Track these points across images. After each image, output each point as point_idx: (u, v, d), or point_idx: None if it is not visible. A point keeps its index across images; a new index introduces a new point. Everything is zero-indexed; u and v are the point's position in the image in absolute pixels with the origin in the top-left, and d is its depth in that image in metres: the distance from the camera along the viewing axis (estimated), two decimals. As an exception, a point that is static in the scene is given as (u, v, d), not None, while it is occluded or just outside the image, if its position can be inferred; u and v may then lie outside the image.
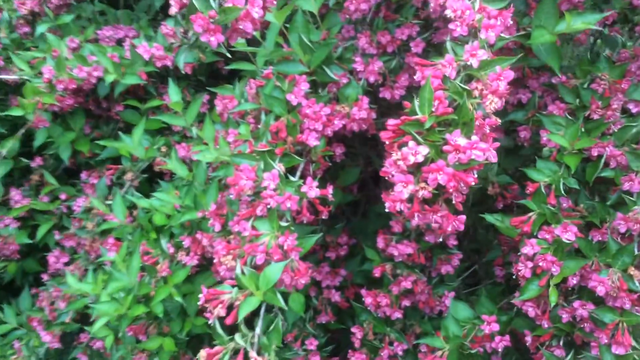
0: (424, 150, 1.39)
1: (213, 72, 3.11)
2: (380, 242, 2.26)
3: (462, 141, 1.38)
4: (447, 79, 1.54)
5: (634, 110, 2.05)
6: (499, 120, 1.52)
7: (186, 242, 2.17)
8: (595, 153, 1.96)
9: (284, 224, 1.70)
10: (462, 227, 1.43)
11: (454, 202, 1.41)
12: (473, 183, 1.37)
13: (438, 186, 1.39)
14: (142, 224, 2.41)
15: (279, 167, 1.79)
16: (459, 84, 1.51)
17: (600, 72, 2.11)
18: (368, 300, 2.23)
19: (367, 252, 2.50)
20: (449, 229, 1.43)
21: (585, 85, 2.12)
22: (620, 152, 1.93)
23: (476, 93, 1.51)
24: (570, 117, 2.07)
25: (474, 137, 1.38)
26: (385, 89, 2.24)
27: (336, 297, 2.45)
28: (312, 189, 1.77)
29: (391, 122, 1.47)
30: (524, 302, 1.88)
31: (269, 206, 1.70)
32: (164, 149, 2.75)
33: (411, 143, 1.40)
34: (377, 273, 2.24)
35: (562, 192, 1.94)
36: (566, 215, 1.96)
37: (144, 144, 2.75)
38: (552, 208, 1.91)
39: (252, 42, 2.25)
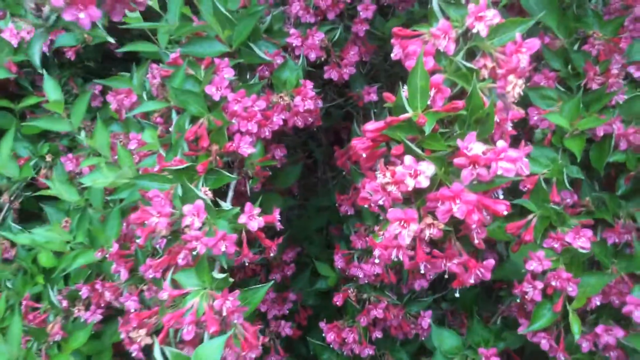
0: (428, 169, 0.91)
1: (107, 55, 2.49)
2: (339, 261, 1.80)
3: (479, 149, 0.92)
4: (443, 55, 1.06)
5: (637, 75, 1.66)
6: (522, 112, 1.07)
7: (84, 292, 1.60)
8: (601, 133, 1.56)
9: (218, 275, 1.19)
10: (488, 276, 0.98)
11: (475, 241, 0.95)
12: (505, 212, 0.92)
13: (451, 221, 0.93)
14: (25, 266, 1.82)
15: (203, 192, 1.26)
16: (462, 61, 1.04)
17: (589, 29, 1.71)
18: (330, 336, 1.77)
19: (319, 267, 2.04)
20: (471, 280, 0.97)
21: (576, 48, 1.71)
22: (634, 130, 1.54)
23: (484, 73, 1.05)
24: (561, 89, 1.67)
25: (500, 143, 0.92)
26: (331, 67, 1.75)
27: (287, 329, 1.97)
28: (253, 219, 1.27)
29: (370, 126, 0.99)
30: (535, 333, 1.48)
31: (195, 252, 1.19)
32: (49, 158, 2.14)
33: (408, 158, 0.92)
34: (338, 301, 1.78)
35: (567, 185, 1.54)
36: (572, 213, 1.56)
37: (22, 153, 2.13)
38: (557, 207, 1.51)
39: (150, 15, 1.70)
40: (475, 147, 0.93)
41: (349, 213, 1.81)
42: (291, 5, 1.74)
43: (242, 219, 1.26)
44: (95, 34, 2.20)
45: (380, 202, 0.97)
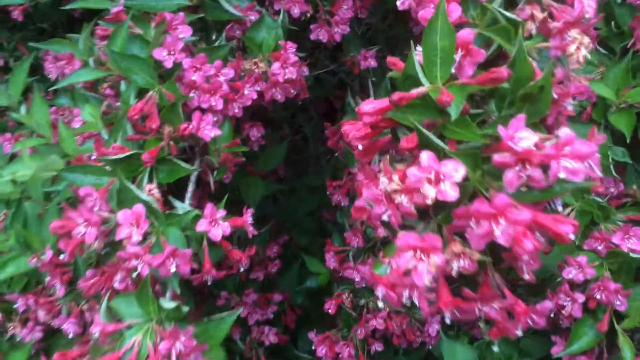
0: (456, 171, 0.61)
1: (70, 17, 2.15)
2: (331, 260, 1.51)
3: (531, 139, 0.61)
4: (471, 2, 0.75)
5: (697, 33, 1.35)
6: (587, 84, 0.75)
7: (20, 305, 1.30)
8: (654, 106, 1.25)
9: (168, 303, 0.89)
10: (543, 323, 0.68)
11: (524, 275, 0.65)
12: (572, 236, 0.61)
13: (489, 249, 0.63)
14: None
15: (147, 190, 0.96)
16: (501, 10, 0.72)
17: (637, -23, 1.39)
18: (321, 350, 1.48)
19: (310, 263, 1.76)
20: (517, 331, 0.67)
21: (620, 0, 1.38)
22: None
23: (531, 27, 0.73)
24: (603, 51, 1.35)
25: (564, 131, 0.61)
26: (319, 25, 1.42)
27: (271, 336, 1.69)
28: (216, 225, 0.97)
29: (368, 106, 0.68)
30: (573, 357, 1.19)
31: (136, 273, 0.89)
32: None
33: (426, 156, 0.61)
34: (331, 309, 1.49)
35: (613, 171, 1.24)
36: (617, 205, 1.27)
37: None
38: (600, 199, 1.21)
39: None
40: (525, 136, 0.62)
41: (342, 204, 1.51)
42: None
43: (202, 226, 0.95)
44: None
45: (385, 218, 0.66)
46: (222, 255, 1.01)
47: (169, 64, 1.08)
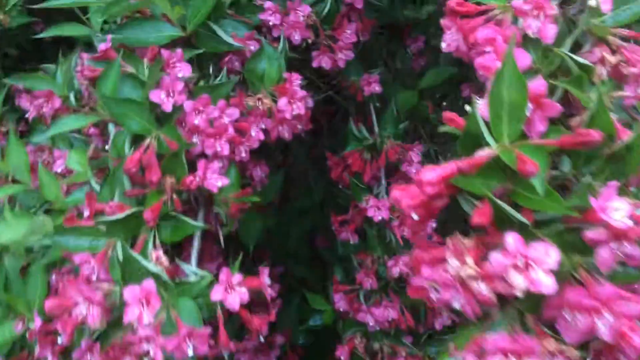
0: (549, 256, 0.51)
1: (36, 42, 2.00)
2: (341, 302, 1.40)
3: (624, 210, 0.52)
4: (531, 44, 0.65)
5: None
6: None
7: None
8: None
9: (185, 390, 0.78)
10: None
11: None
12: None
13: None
14: None
15: (155, 258, 0.84)
16: (572, 55, 0.63)
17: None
18: (334, 399, 1.38)
19: (312, 300, 1.65)
20: None
21: None
22: None
23: (601, 72, 0.65)
24: None
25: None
26: (321, 52, 1.32)
27: (276, 386, 1.57)
28: (233, 291, 0.86)
29: (430, 174, 0.58)
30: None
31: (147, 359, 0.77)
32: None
33: (512, 240, 0.52)
34: (342, 356, 1.39)
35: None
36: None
37: None
38: None
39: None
40: (618, 207, 0.53)
41: (352, 242, 1.41)
42: (263, -33, 1.30)
43: (217, 294, 0.84)
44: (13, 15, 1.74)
45: (456, 305, 0.57)
46: (237, 324, 0.91)
47: (168, 108, 0.97)
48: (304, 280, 2.04)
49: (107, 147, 1.12)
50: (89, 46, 1.40)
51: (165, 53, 0.99)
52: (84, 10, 1.37)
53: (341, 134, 1.99)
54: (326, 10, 1.32)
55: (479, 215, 0.56)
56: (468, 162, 0.56)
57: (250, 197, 1.01)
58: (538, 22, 0.62)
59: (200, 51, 1.08)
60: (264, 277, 0.91)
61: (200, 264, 1.05)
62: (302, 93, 1.10)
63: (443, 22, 0.70)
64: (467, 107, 0.61)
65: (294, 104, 1.10)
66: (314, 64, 1.32)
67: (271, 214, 1.75)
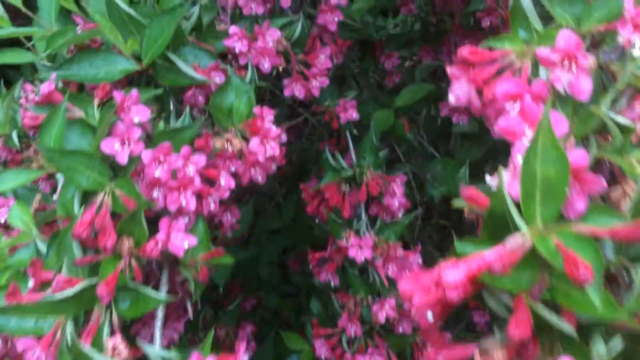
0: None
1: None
2: (322, 349, 1.29)
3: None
4: (558, 98, 0.55)
5: None
6: None
7: None
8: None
9: None
10: None
11: None
12: None
13: None
14: None
15: (112, 350, 0.71)
16: (611, 114, 0.53)
17: None
18: None
19: (288, 340, 1.53)
20: None
21: None
22: None
23: None
24: None
25: None
26: (294, 79, 1.20)
27: None
28: (205, 379, 0.73)
29: (453, 274, 0.47)
30: None
31: None
32: None
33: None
34: (327, 408, 1.27)
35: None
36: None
37: None
38: None
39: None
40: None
41: (333, 284, 1.30)
42: (226, -12, 1.18)
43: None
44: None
45: None
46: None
47: (123, 159, 0.83)
48: (278, 312, 1.93)
49: (55, 195, 0.98)
50: (36, 71, 1.27)
51: (118, 96, 0.85)
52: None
53: (311, 150, 1.88)
54: (297, 32, 1.21)
55: (518, 326, 0.45)
56: (501, 260, 0.46)
57: (224, 259, 0.88)
58: (569, 75, 0.52)
59: (159, 91, 0.95)
60: (241, 355, 0.79)
61: (165, 324, 0.92)
62: (275, 131, 0.98)
63: (450, 70, 0.59)
64: (489, 180, 0.50)
65: (267, 144, 0.98)
66: (286, 93, 1.20)
67: (240, 243, 1.63)
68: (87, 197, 0.85)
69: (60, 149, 0.83)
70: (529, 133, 0.49)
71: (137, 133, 0.85)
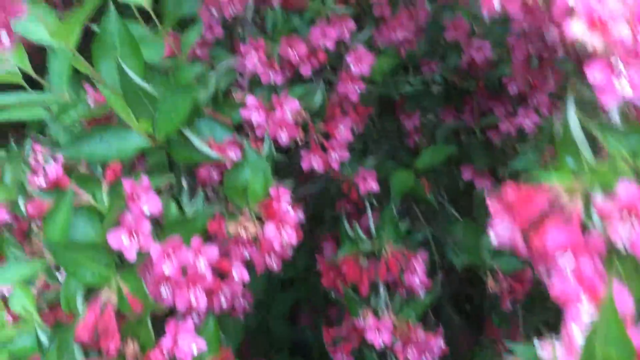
0: None
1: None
2: None
3: None
4: (619, 255, 0.49)
5: None
6: None
7: None
8: None
9: None
10: None
11: None
12: None
13: None
14: None
15: None
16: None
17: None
18: None
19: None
20: None
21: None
22: None
23: None
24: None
25: None
26: (312, 150, 1.15)
27: None
28: None
29: None
30: None
31: None
32: None
33: None
34: None
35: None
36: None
37: None
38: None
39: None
40: None
41: (349, 366, 1.23)
42: (244, 57, 1.13)
43: None
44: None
45: None
46: None
47: (131, 255, 0.78)
48: (288, 374, 1.86)
49: (60, 273, 0.93)
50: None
51: (127, 184, 0.80)
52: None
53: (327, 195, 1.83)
54: (318, 100, 1.16)
55: None
56: None
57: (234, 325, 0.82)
58: (631, 231, 0.46)
59: (171, 176, 0.90)
60: None
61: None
62: (293, 217, 0.93)
63: (492, 206, 0.53)
64: (539, 347, 0.44)
65: (284, 230, 0.92)
66: (304, 165, 1.15)
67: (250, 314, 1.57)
68: (90, 293, 0.80)
69: (65, 242, 0.78)
70: (584, 299, 0.43)
71: (147, 226, 0.79)
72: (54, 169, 0.85)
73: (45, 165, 0.88)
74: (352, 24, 1.17)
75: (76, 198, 0.84)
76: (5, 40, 0.45)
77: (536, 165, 1.32)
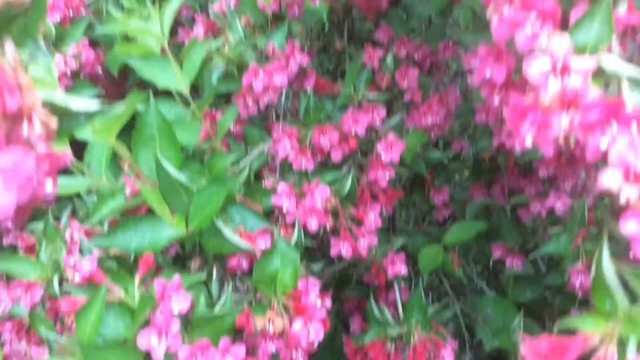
0: None
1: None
2: None
3: None
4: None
5: None
6: None
7: None
8: None
9: None
10: None
11: None
12: None
13: None
14: None
15: None
16: None
17: None
18: None
19: None
20: None
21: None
22: None
23: None
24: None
25: None
26: (342, 237, 1.16)
27: None
28: None
29: None
30: None
31: None
32: None
33: None
34: None
35: None
36: None
37: None
38: None
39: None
40: None
41: None
42: (277, 143, 1.16)
43: None
44: None
45: None
46: None
47: (159, 357, 0.79)
48: None
49: None
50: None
51: (158, 285, 0.82)
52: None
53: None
54: (347, 187, 1.17)
55: None
56: None
57: None
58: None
59: (203, 276, 0.92)
60: None
61: None
62: (321, 313, 0.93)
63: (526, 355, 0.53)
64: None
65: (312, 325, 0.92)
66: (332, 252, 1.15)
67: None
68: (119, 391, 0.81)
69: (95, 344, 0.80)
70: None
71: (177, 326, 0.80)
72: (89, 264, 0.87)
73: (80, 258, 0.90)
74: (383, 111, 1.19)
75: (108, 293, 0.86)
76: (50, 188, 0.46)
77: (567, 249, 1.31)
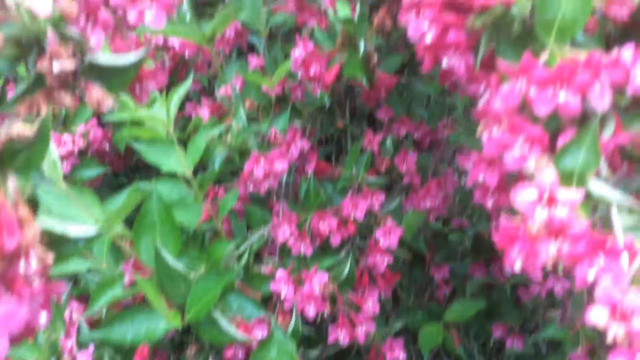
0: None
1: None
2: None
3: None
4: None
5: None
6: None
7: None
8: None
9: None
10: None
11: None
12: None
13: None
14: None
15: None
16: None
17: None
18: None
19: None
20: None
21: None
22: None
23: None
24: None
25: None
26: (340, 324, 1.16)
27: None
28: None
29: None
30: None
31: None
32: None
33: None
34: None
35: None
36: None
37: None
38: None
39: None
40: None
41: None
42: (277, 227, 1.17)
43: None
44: None
45: None
46: None
47: None
48: None
49: None
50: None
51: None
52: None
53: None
54: (345, 272, 1.18)
55: None
56: None
57: None
58: None
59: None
60: None
61: None
62: (316, 410, 0.92)
63: None
64: None
65: (306, 423, 0.91)
66: (330, 339, 1.15)
67: None
68: None
69: None
70: None
71: None
72: (83, 357, 0.87)
73: (77, 351, 0.90)
74: (381, 196, 1.21)
75: (104, 388, 0.86)
76: (44, 321, 0.47)
77: (567, 333, 1.30)
